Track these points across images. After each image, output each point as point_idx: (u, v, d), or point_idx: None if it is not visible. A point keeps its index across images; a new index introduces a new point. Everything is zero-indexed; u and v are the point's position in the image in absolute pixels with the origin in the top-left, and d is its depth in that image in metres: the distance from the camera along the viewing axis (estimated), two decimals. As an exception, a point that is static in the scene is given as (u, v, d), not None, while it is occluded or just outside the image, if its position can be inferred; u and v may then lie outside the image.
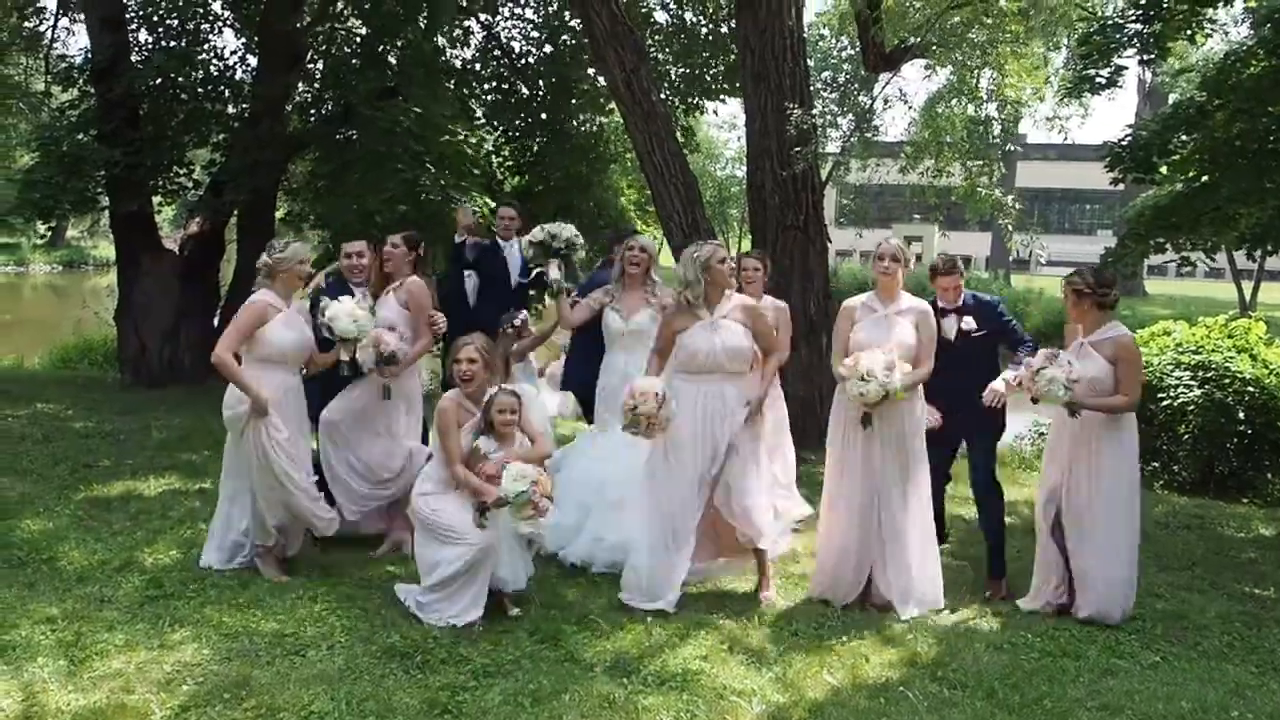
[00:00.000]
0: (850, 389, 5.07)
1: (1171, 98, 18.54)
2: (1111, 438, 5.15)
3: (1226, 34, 13.18)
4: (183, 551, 5.60)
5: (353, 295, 5.68)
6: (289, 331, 5.32)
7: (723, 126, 37.34)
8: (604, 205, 13.40)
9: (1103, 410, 5.10)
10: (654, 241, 7.30)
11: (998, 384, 5.39)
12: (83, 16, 12.22)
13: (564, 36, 13.62)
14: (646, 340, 5.72)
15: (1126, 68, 7.81)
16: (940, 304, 5.66)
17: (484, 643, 4.51)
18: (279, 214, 12.39)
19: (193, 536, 5.86)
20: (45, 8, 13.03)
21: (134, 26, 11.66)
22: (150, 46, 11.59)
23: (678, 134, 10.52)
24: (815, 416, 7.98)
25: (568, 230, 6.25)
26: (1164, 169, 8.13)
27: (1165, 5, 7.27)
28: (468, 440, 4.86)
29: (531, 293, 7.63)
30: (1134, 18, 7.58)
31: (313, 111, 12.21)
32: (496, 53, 13.83)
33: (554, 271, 6.18)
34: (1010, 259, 37.23)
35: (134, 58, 11.35)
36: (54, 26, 13.20)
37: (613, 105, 11.29)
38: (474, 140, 11.33)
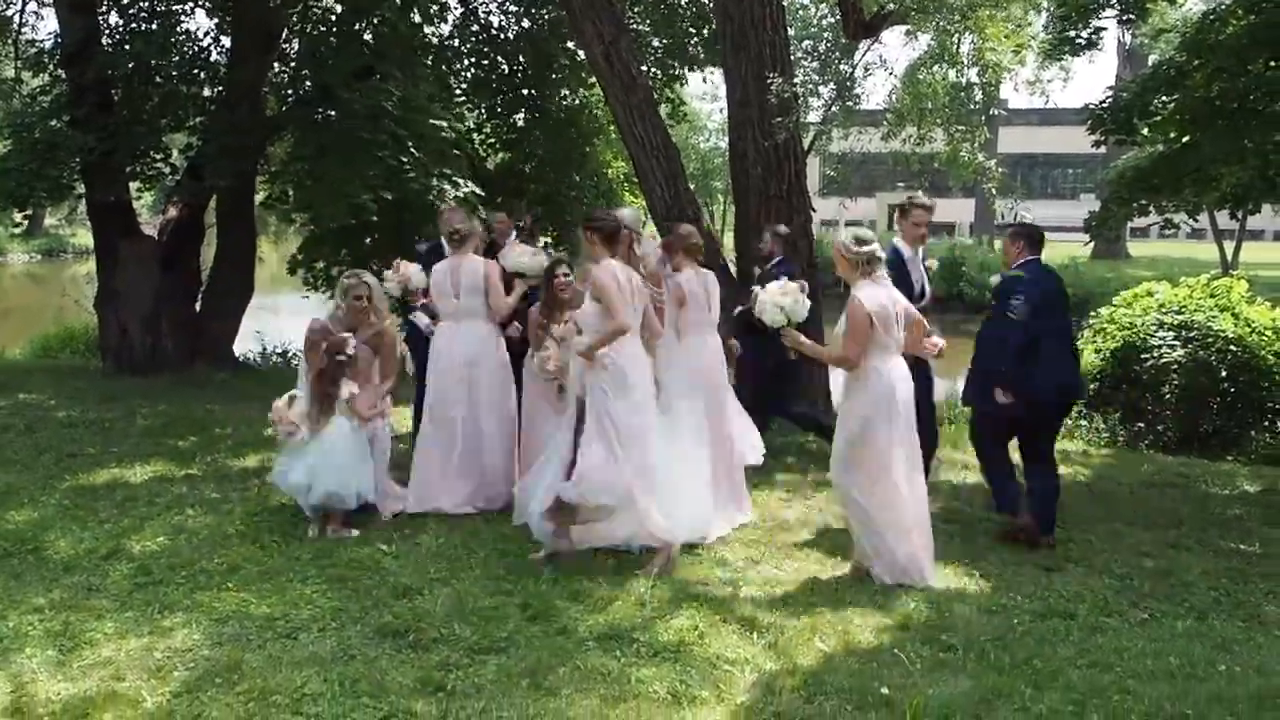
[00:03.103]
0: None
1: (1151, 59, 18.51)
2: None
3: (1204, -6, 13.14)
4: (170, 538, 5.57)
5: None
6: None
7: (704, 98, 37.14)
8: (597, 177, 13.33)
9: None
10: (638, 213, 7.23)
11: None
12: (51, 0, 12.02)
13: (542, 10, 13.49)
14: None
15: (1105, 28, 7.85)
16: None
17: (476, 619, 4.51)
18: (259, 197, 12.27)
19: (181, 522, 5.85)
20: (12, -9, 12.80)
21: (104, 9, 11.46)
22: (121, 29, 11.40)
23: (664, 106, 10.43)
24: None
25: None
26: (1145, 130, 8.12)
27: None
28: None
29: None
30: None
31: (289, 92, 12.06)
32: (474, 28, 13.68)
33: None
34: (995, 224, 37.21)
35: (105, 41, 11.17)
36: (21, 10, 12.94)
37: (594, 78, 11.19)
38: (457, 125, 11.19)
